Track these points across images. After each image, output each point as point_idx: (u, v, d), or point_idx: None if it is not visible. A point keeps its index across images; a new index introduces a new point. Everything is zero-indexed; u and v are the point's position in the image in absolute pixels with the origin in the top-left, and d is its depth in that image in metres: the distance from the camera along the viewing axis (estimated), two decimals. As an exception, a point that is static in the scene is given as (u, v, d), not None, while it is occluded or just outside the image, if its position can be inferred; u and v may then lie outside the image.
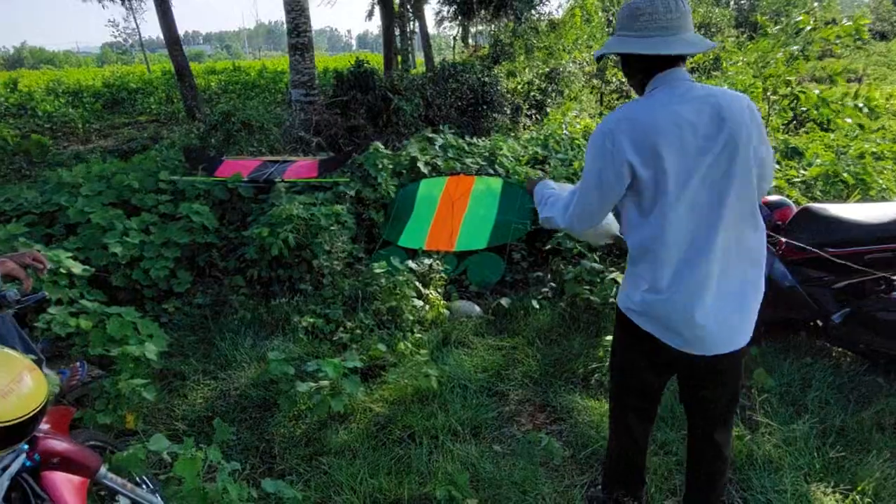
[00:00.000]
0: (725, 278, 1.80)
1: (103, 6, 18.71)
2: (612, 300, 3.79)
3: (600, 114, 11.31)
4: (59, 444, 1.76)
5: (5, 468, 1.57)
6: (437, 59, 17.56)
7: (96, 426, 2.83)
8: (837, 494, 2.42)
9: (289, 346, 3.71)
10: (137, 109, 16.58)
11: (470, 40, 24.92)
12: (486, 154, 5.81)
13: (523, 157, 5.88)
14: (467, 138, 6.30)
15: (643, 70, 1.86)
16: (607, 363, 3.29)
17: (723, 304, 1.81)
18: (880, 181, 4.82)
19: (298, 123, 8.39)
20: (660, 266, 1.82)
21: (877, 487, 2.40)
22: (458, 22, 26.80)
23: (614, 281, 3.70)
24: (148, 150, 6.51)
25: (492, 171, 5.48)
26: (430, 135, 6.21)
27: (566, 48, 11.67)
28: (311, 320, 3.88)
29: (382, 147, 5.64)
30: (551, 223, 2.12)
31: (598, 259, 4.10)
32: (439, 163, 5.52)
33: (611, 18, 12.73)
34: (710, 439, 2.11)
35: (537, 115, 12.04)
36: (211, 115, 7.95)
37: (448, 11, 23.84)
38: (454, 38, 23.20)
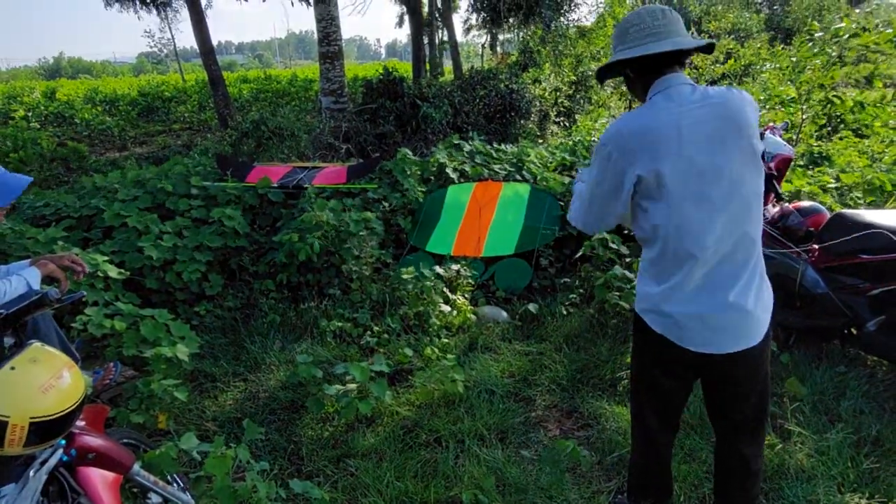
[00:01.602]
0: (739, 274, 1.80)
1: (139, 17, 19.23)
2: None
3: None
4: (95, 441, 1.81)
5: (43, 462, 1.62)
6: (465, 67, 17.65)
7: (129, 425, 2.89)
8: (874, 507, 2.35)
9: (317, 349, 3.74)
10: (171, 118, 16.97)
11: (498, 48, 25.02)
12: (514, 160, 5.80)
13: (551, 163, 5.86)
14: (495, 144, 6.29)
15: (641, 77, 1.90)
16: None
17: (740, 300, 1.80)
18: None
19: (328, 131, 8.49)
20: (673, 266, 1.83)
21: (916, 501, 2.32)
22: (485, 30, 26.94)
23: (643, 287, 3.66)
24: (178, 157, 6.64)
25: (519, 178, 5.48)
26: (458, 141, 6.22)
27: (594, 55, 11.62)
28: (339, 324, 3.91)
29: (411, 153, 5.68)
30: (572, 223, 2.14)
31: (628, 265, 4.05)
32: (467, 169, 5.53)
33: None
34: (738, 452, 2.06)
35: (565, 122, 12.01)
36: (243, 123, 8.10)
37: (476, 19, 23.98)
38: (483, 45, 23.30)
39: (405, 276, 4.07)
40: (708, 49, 1.95)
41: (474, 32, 28.77)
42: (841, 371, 3.22)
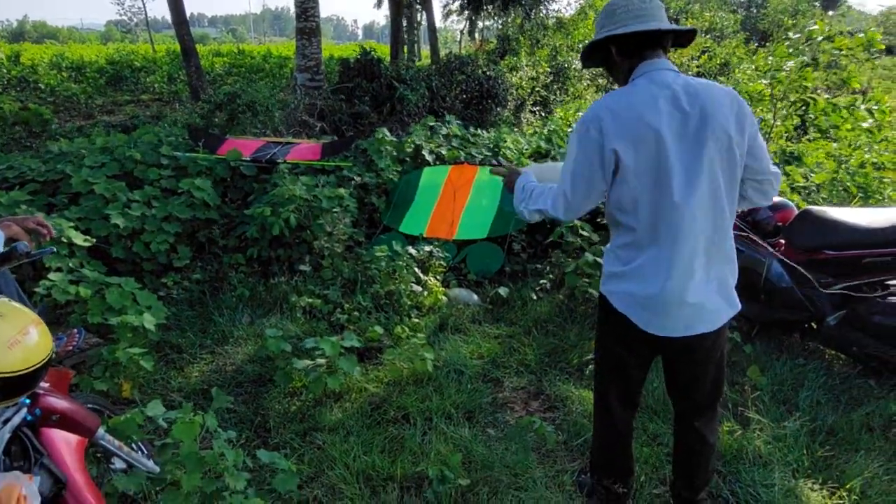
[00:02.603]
0: (707, 267, 1.86)
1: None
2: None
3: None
4: (60, 403, 1.77)
5: (6, 420, 1.58)
6: (442, 53, 17.56)
7: (93, 392, 2.84)
8: (825, 491, 2.45)
9: (286, 324, 3.72)
10: (140, 88, 16.50)
11: (476, 35, 24.97)
12: (490, 145, 5.81)
13: (526, 150, 5.89)
14: (472, 129, 6.29)
15: (625, 59, 1.92)
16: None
17: (704, 290, 1.86)
18: (884, 192, 4.86)
19: (303, 108, 8.38)
20: (639, 248, 1.88)
21: (864, 486, 2.42)
22: (464, 16, 26.86)
23: (613, 274, 3.71)
24: (148, 126, 6.48)
25: (495, 163, 5.49)
26: (434, 124, 6.20)
27: (571, 47, 11.68)
28: (309, 300, 3.89)
29: (388, 134, 5.65)
30: (544, 215, 2.11)
31: (599, 253, 4.10)
32: (443, 152, 5.53)
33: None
34: (694, 427, 2.14)
35: (541, 112, 12.07)
36: (215, 96, 7.94)
37: (455, 5, 23.85)
38: (461, 31, 23.21)
39: (378, 255, 4.06)
40: (689, 36, 1.99)
41: (453, 17, 28.66)
42: (800, 363, 3.32)
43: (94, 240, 3.95)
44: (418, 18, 22.29)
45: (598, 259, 3.89)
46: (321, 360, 3.08)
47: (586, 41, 12.85)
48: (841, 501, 2.39)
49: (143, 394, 3.07)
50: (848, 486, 2.42)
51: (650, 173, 1.79)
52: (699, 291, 1.87)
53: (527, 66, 11.56)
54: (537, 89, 11.93)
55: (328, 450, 2.63)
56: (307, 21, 9.26)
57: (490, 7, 12.72)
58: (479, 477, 2.49)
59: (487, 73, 10.98)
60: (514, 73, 11.75)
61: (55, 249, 1.80)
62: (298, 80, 9.38)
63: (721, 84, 1.92)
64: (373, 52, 9.66)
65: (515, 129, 10.04)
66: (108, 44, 39.90)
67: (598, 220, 4.61)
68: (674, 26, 1.89)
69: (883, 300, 3.02)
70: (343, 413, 2.95)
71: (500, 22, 18.10)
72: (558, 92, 12.71)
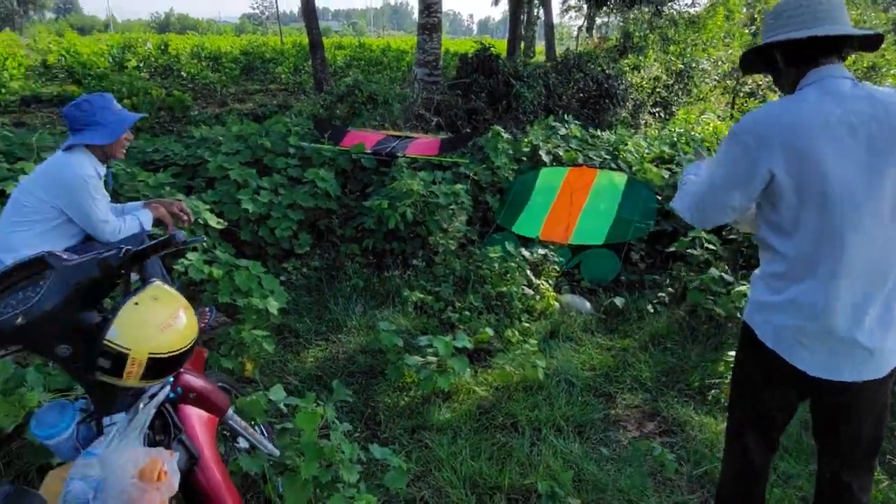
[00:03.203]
0: (872, 302, 1.63)
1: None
2: (739, 315, 3.56)
3: (731, 116, 10.65)
4: (197, 381, 1.87)
5: (153, 396, 1.68)
6: (559, 50, 17.24)
7: (219, 369, 3.00)
8: None
9: (398, 318, 3.77)
10: (269, 78, 17.44)
11: (594, 32, 24.34)
12: (610, 148, 5.61)
13: (648, 154, 5.63)
14: (590, 130, 6.10)
15: (793, 67, 1.73)
16: (727, 380, 3.11)
17: (874, 329, 1.64)
18: None
19: (420, 102, 8.49)
20: (796, 277, 1.68)
21: None
22: (583, 12, 26.23)
23: (743, 295, 3.46)
24: (279, 116, 6.81)
25: (614, 166, 5.29)
26: (554, 123, 6.07)
27: (703, 45, 11.06)
28: (421, 296, 3.92)
29: (504, 131, 5.59)
30: (679, 214, 1.99)
31: (727, 269, 3.84)
32: (561, 153, 5.39)
33: (755, 15, 11.90)
34: (843, 482, 1.89)
35: (661, 113, 11.55)
36: (337, 87, 8.21)
37: (576, 1, 23.34)
38: (579, 28, 22.67)
39: (492, 255, 4.03)
40: (876, 41, 1.77)
41: (571, 14, 28.06)
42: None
43: (227, 223, 4.19)
44: (536, 13, 21.99)
45: (725, 276, 3.64)
46: (432, 359, 3.09)
47: (715, 39, 12.10)
48: None
49: (262, 374, 3.22)
50: None
51: (816, 195, 1.59)
52: (872, 332, 1.64)
53: (655, 63, 11.06)
54: (658, 89, 11.42)
55: (436, 450, 2.63)
56: (430, 17, 9.36)
57: (611, 2, 12.26)
58: (590, 498, 2.39)
59: (606, 71, 10.64)
60: (636, 72, 11.30)
61: (206, 239, 1.90)
62: (417, 74, 9.51)
63: None
64: (491, 48, 9.61)
65: (633, 131, 9.68)
66: (242, 35, 42.62)
67: (723, 233, 4.32)
68: (855, 31, 1.67)
69: None
70: (451, 413, 2.94)
71: (621, 18, 17.52)
72: (680, 93, 12.11)
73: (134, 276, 1.66)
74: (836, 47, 1.68)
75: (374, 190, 4.97)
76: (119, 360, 1.48)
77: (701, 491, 2.50)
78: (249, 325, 3.23)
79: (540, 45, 25.11)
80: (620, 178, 4.86)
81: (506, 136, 5.51)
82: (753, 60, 1.90)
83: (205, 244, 4.06)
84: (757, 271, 1.89)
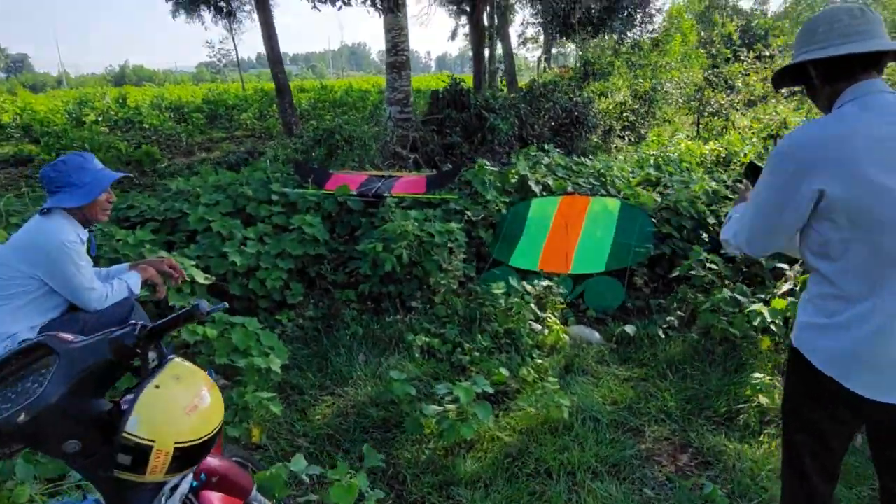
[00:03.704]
0: None
1: (205, 28, 19.86)
2: (752, 333, 3.49)
3: (697, 135, 10.84)
4: (219, 463, 1.68)
5: (175, 488, 1.49)
6: (520, 81, 17.51)
7: (225, 438, 2.79)
8: None
9: (406, 364, 3.60)
10: (234, 125, 17.28)
11: (552, 61, 24.90)
12: (596, 174, 5.59)
13: (634, 178, 5.62)
14: (574, 157, 6.09)
15: (830, 83, 1.67)
16: (755, 403, 3.02)
17: None
18: None
19: (396, 140, 8.43)
20: (850, 298, 1.61)
21: None
22: (540, 43, 26.88)
23: (758, 313, 3.39)
24: (257, 163, 6.65)
25: (604, 192, 5.26)
26: (536, 153, 6.04)
27: (667, 67, 11.33)
28: (427, 339, 3.76)
29: (489, 164, 5.54)
30: (728, 245, 1.92)
31: (744, 289, 3.77)
32: (550, 182, 5.34)
33: (713, 38, 12.25)
34: None
35: (630, 137, 11.71)
36: (315, 130, 8.11)
37: (531, 31, 23.90)
38: (539, 58, 23.14)
39: (496, 291, 3.90)
40: None
41: (529, 45, 28.71)
42: None
43: (214, 278, 4.00)
44: (497, 48, 22.42)
45: (739, 296, 3.57)
46: (450, 406, 2.93)
47: (675, 62, 12.37)
48: None
49: (270, 438, 3.01)
50: None
51: (867, 214, 1.53)
52: None
53: (622, 87, 11.26)
54: (625, 113, 11.60)
55: (470, 508, 2.45)
56: (397, 55, 9.41)
57: (581, 33, 12.48)
58: (643, 547, 2.24)
59: (574, 99, 10.77)
60: (603, 98, 11.48)
61: (226, 305, 1.74)
62: (389, 112, 9.52)
63: None
64: (461, 83, 9.66)
65: (606, 155, 9.76)
66: (200, 84, 42.48)
67: (722, 252, 4.28)
68: (884, 45, 1.63)
69: None
70: (478, 464, 2.77)
71: (578, 47, 17.94)
72: (646, 115, 12.32)
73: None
74: (875, 62, 1.63)
75: (363, 232, 4.84)
76: (141, 455, 1.30)
77: (753, 527, 2.37)
78: (252, 386, 3.03)
79: (502, 78, 25.56)
80: (614, 204, 4.81)
81: (491, 168, 5.45)
82: (785, 76, 1.85)
83: (191, 300, 3.87)
84: (805, 293, 1.81)
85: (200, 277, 3.85)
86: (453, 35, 37.23)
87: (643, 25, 10.17)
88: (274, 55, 11.49)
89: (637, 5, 9.76)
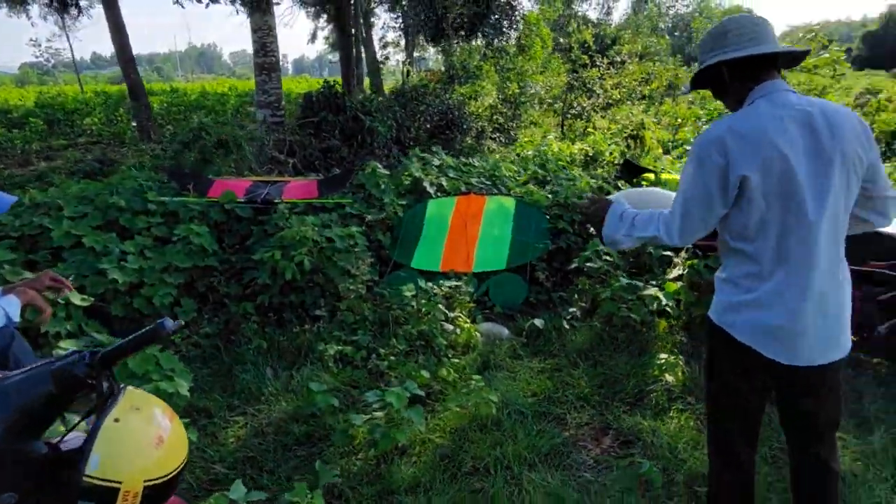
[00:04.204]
0: (836, 288, 1.80)
1: (32, 24, 17.77)
2: (650, 318, 3.74)
3: (563, 136, 11.49)
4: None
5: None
6: (386, 85, 17.54)
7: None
8: (935, 506, 2.40)
9: (321, 375, 3.45)
10: (76, 131, 15.64)
11: (414, 65, 25.12)
12: (486, 174, 5.72)
13: (521, 177, 5.83)
14: (462, 159, 6.20)
15: (739, 82, 1.87)
16: (662, 382, 3.24)
17: (835, 313, 1.81)
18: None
19: (272, 144, 8.09)
20: (766, 273, 1.80)
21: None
22: (401, 47, 27.08)
23: (654, 297, 3.64)
24: (126, 171, 6.03)
25: (496, 191, 5.40)
26: (423, 155, 6.07)
27: (533, 71, 11.91)
28: (339, 348, 3.64)
29: (381, 167, 5.48)
30: (654, 241, 2.05)
31: (627, 276, 4.03)
32: (444, 182, 5.39)
33: (571, 45, 13.11)
34: (819, 456, 2.03)
35: (501, 139, 12.13)
36: (182, 133, 7.55)
37: (392, 36, 24.07)
38: (403, 63, 23.29)
39: (406, 293, 3.86)
40: (803, 56, 1.96)
41: (390, 50, 28.81)
42: (850, 375, 3.32)
43: (92, 298, 3.59)
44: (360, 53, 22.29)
45: (636, 283, 3.81)
46: (378, 414, 2.85)
47: (539, 67, 13.01)
48: (955, 516, 2.35)
49: (183, 468, 2.74)
50: (960, 499, 2.38)
51: (780, 196, 1.73)
52: (835, 316, 1.81)
53: (492, 91, 11.67)
54: (496, 116, 12.02)
55: (419, 514, 2.40)
56: (266, 56, 9.10)
57: (448, 37, 12.71)
58: (590, 529, 2.31)
59: (446, 101, 10.97)
60: (473, 101, 11.81)
61: (182, 323, 1.52)
62: (259, 116, 9.14)
63: (839, 104, 1.88)
64: (335, 85, 9.48)
65: (480, 157, 10.04)
66: (26, 86, 38.02)
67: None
68: (789, 48, 1.86)
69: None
70: (414, 469, 2.72)
71: (442, 52, 18.34)
72: (512, 118, 12.84)
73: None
74: (774, 62, 1.84)
75: (255, 241, 4.58)
76: (106, 499, 1.13)
77: (678, 497, 2.53)
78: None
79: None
80: (510, 203, 4.95)
81: (383, 171, 5.39)
82: (701, 78, 2.01)
83: (67, 325, 3.46)
84: (720, 274, 1.99)
85: (77, 298, 3.46)
86: (313, 38, 36.50)
87: (510, 31, 10.61)
88: (126, 54, 10.56)
89: (504, 13, 10.17)
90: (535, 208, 4.85)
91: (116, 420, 1.19)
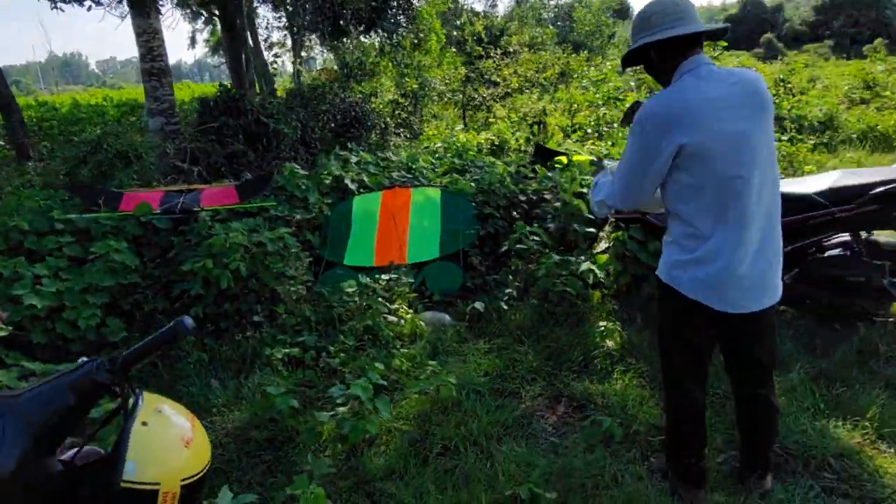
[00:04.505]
0: (767, 239, 2.04)
1: None
2: (584, 290, 3.96)
3: (465, 127, 11.73)
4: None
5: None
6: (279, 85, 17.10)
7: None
8: (849, 425, 2.74)
9: (273, 379, 3.40)
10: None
11: (304, 65, 24.65)
12: (405, 167, 5.79)
13: (438, 168, 5.95)
14: (379, 154, 6.23)
15: (667, 60, 2.08)
16: (604, 348, 3.46)
17: (768, 262, 2.05)
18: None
19: (173, 153, 7.72)
20: (710, 231, 2.01)
21: (881, 414, 2.75)
22: (285, 48, 26.46)
23: (589, 270, 3.87)
24: (23, 191, 5.53)
25: (417, 183, 5.48)
26: (340, 153, 6.05)
27: (430, 65, 12.05)
28: (287, 350, 3.59)
29: (298, 168, 5.41)
30: (603, 205, 2.26)
31: (561, 253, 4.24)
32: (365, 178, 5.40)
33: (465, 37, 13.38)
34: (761, 395, 2.29)
35: (406, 134, 12.21)
36: (80, 146, 7.06)
37: (277, 36, 23.50)
38: (293, 63, 22.77)
39: (348, 290, 3.87)
40: (723, 33, 2.20)
41: (276, 50, 28.04)
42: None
43: (9, 327, 3.34)
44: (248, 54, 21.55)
45: (568, 258, 4.02)
46: (341, 409, 2.87)
47: (437, 61, 13.15)
48: (865, 431, 2.70)
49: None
50: (869, 416, 2.74)
51: (714, 160, 1.94)
52: (768, 265, 2.05)
53: (392, 87, 11.72)
54: (398, 112, 12.08)
55: (402, 497, 2.45)
56: (154, 61, 8.66)
57: (346, 34, 12.51)
58: (564, 485, 2.46)
59: (346, 99, 10.90)
60: (374, 98, 11.81)
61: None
62: (152, 125, 8.70)
63: (751, 70, 2.12)
64: (234, 89, 9.18)
65: (386, 152, 10.09)
66: None
67: (535, 224, 4.77)
68: (709, 27, 2.07)
69: (833, 255, 3.46)
70: (385, 457, 2.77)
71: (331, 49, 18.10)
72: (414, 112, 12.95)
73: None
74: (697, 40, 2.05)
75: (178, 252, 4.39)
76: (146, 502, 1.12)
77: (635, 448, 2.74)
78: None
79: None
80: (435, 193, 5.05)
81: (301, 171, 5.33)
82: (631, 59, 2.20)
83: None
84: (667, 238, 2.20)
85: (-7, 329, 3.20)
86: (192, 42, 34.84)
87: (408, 26, 10.66)
88: (-9, 66, 9.64)
89: (402, 7, 10.22)
90: (461, 196, 4.97)
91: (144, 423, 1.17)
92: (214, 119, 8.95)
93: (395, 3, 9.92)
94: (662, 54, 2.07)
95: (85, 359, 1.23)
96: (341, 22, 9.26)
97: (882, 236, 3.60)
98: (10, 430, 1.07)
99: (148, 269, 4.33)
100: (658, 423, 2.85)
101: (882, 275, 3.39)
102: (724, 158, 1.93)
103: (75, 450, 1.26)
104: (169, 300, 4.17)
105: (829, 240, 3.58)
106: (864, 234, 3.52)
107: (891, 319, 3.51)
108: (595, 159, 2.93)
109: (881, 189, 3.30)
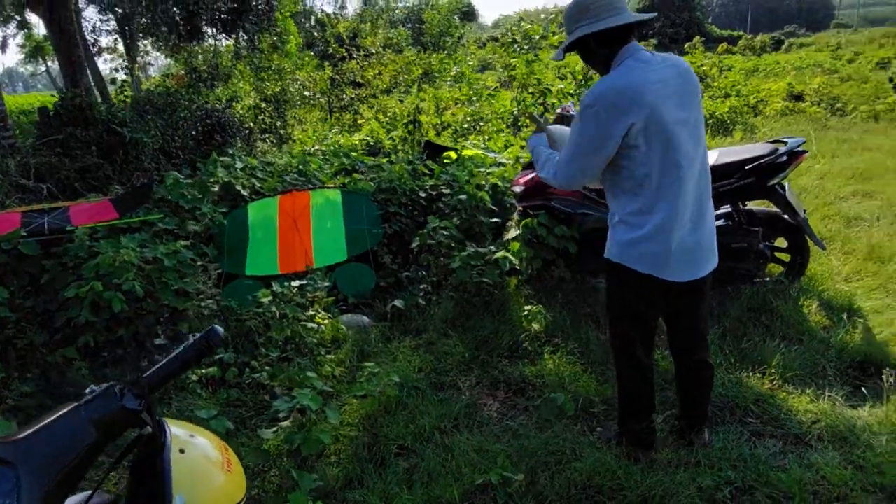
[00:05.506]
0: (703, 209, 2.25)
1: None
2: (499, 279, 4.05)
3: (337, 128, 11.54)
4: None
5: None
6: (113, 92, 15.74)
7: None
8: (758, 374, 3.07)
9: (195, 402, 3.13)
10: None
11: (141, 71, 23.09)
12: (297, 170, 5.59)
13: (329, 170, 5.80)
14: (268, 157, 5.95)
15: (606, 47, 2.21)
16: (530, 331, 3.58)
17: (709, 230, 2.26)
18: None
19: (15, 169, 6.83)
20: (658, 208, 2.17)
21: (782, 361, 3.10)
22: (117, 53, 24.57)
23: (505, 258, 3.96)
24: None
25: (311, 186, 5.30)
26: (223, 158, 5.70)
27: (290, 69, 11.67)
28: (204, 371, 3.33)
29: (181, 176, 5.02)
30: (548, 182, 2.37)
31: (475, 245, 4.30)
32: (256, 183, 5.13)
33: (328, 39, 13.06)
34: (702, 359, 2.50)
35: (272, 139, 11.76)
36: None
37: (106, 41, 21.70)
38: (132, 68, 21.03)
39: (263, 300, 3.66)
40: (651, 22, 2.37)
41: (105, 56, 25.80)
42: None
43: None
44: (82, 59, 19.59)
45: (481, 249, 4.08)
46: (285, 424, 2.73)
47: (297, 64, 12.78)
48: (773, 377, 3.03)
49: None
50: (774, 365, 3.07)
51: (656, 139, 2.08)
52: (707, 234, 2.24)
53: (252, 92, 11.19)
54: (262, 117, 11.61)
55: (371, 502, 2.37)
56: (-22, 68, 7.59)
57: (201, 35, 11.73)
58: (531, 464, 2.51)
59: (207, 105, 10.29)
60: (235, 104, 11.25)
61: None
62: (-7, 140, 7.67)
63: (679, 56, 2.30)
64: (80, 97, 8.29)
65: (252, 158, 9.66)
66: None
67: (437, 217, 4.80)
68: (642, 16, 2.22)
69: (719, 225, 3.83)
70: (340, 467, 2.66)
71: (170, 55, 16.98)
72: (277, 116, 12.50)
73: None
74: (631, 29, 2.19)
75: (51, 278, 3.90)
76: (198, 536, 1.00)
77: (583, 418, 2.87)
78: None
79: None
80: (335, 194, 4.90)
81: (185, 180, 4.95)
82: (571, 48, 2.30)
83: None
84: (613, 219, 2.33)
85: None
86: (3, 46, 31.12)
87: (269, 28, 10.22)
88: None
89: (261, 10, 9.75)
90: (362, 196, 4.88)
91: (182, 451, 1.03)
92: (58, 130, 8.07)
93: (255, 4, 9.48)
94: (604, 42, 2.18)
95: (94, 387, 1.06)
96: (203, 22, 8.67)
97: (755, 206, 4.06)
98: (25, 483, 0.90)
99: (18, 300, 3.80)
100: (595, 395, 3.00)
101: (757, 240, 3.83)
102: (667, 139, 2.07)
103: (84, 496, 1.08)
104: (49, 332, 3.69)
105: (714, 212, 3.97)
106: (741, 205, 3.94)
107: (767, 279, 3.96)
108: (534, 114, 3.00)
109: (755, 164, 3.72)
